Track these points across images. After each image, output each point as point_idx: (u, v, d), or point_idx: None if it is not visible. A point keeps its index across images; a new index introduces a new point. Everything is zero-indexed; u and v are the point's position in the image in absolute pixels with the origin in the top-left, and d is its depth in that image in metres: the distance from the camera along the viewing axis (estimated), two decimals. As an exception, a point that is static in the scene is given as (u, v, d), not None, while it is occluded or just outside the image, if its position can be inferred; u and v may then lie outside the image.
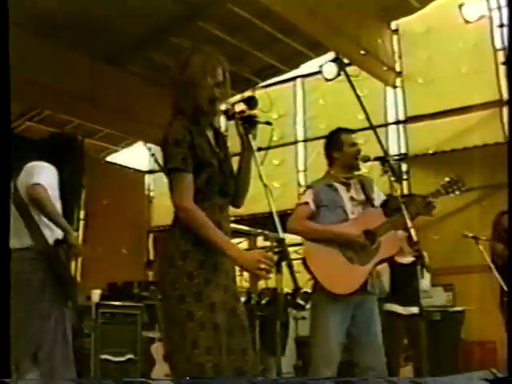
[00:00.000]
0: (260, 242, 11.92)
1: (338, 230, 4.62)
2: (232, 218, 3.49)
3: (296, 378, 7.78)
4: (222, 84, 3.34)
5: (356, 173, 4.92)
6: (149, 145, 14.11)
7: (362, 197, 4.83)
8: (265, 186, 3.11)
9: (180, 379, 3.07)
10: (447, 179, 4.82)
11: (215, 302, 3.13)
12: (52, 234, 4.54)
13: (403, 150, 12.13)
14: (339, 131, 4.96)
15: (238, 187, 3.42)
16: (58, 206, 4.62)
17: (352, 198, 4.79)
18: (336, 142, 4.88)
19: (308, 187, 4.89)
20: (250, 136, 3.27)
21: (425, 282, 7.04)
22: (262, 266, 3.03)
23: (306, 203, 4.73)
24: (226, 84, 3.36)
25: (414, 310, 6.92)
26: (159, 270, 3.25)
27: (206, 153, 3.25)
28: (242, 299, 8.51)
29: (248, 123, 3.29)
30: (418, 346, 6.87)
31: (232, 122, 3.37)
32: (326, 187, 4.78)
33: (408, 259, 7.03)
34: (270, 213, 3.06)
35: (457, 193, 4.81)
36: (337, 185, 4.80)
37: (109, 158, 15.11)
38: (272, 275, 3.10)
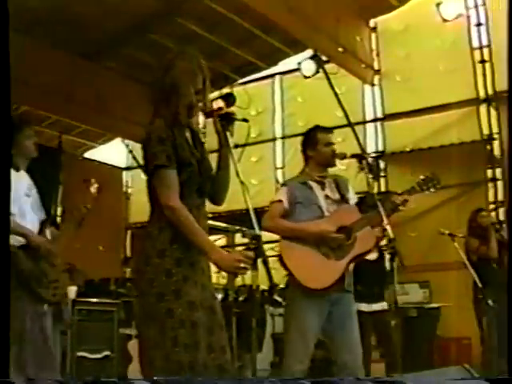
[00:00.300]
0: (238, 238, 11.95)
1: (310, 229, 4.63)
2: (210, 215, 3.51)
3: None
4: (202, 91, 3.33)
5: (331, 173, 4.94)
6: (126, 141, 14.07)
7: (336, 196, 4.84)
8: (242, 182, 3.13)
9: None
10: (422, 177, 4.87)
11: (194, 300, 3.14)
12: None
13: (381, 148, 12.18)
14: (316, 129, 4.96)
15: (219, 185, 3.43)
16: (28, 202, 4.55)
17: (327, 197, 4.80)
18: (311, 141, 4.88)
19: (282, 185, 4.90)
20: (228, 133, 3.28)
21: None
22: (241, 265, 3.05)
23: (280, 201, 4.73)
24: (205, 91, 3.36)
25: (380, 306, 7.02)
26: (136, 267, 3.26)
27: (186, 152, 3.26)
28: (219, 296, 8.52)
29: (225, 120, 3.31)
30: (389, 342, 6.97)
31: (210, 119, 3.38)
32: (301, 185, 4.79)
33: (373, 256, 7.11)
34: (248, 210, 3.07)
35: (432, 190, 4.86)
36: (311, 183, 4.81)
37: (86, 155, 15.05)
38: (248, 272, 3.12)
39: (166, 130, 3.20)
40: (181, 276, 3.13)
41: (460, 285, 8.17)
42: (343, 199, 4.84)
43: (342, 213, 4.75)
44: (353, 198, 4.90)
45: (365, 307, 6.89)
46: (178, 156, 3.20)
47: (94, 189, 5.14)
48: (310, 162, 4.88)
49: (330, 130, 4.98)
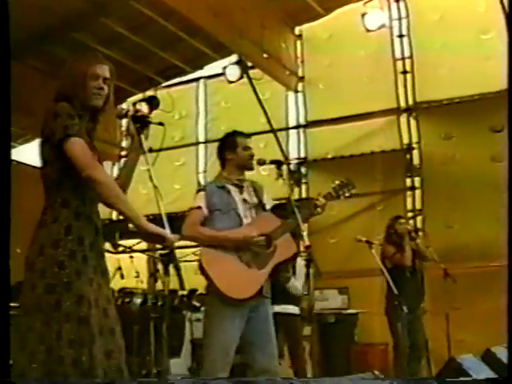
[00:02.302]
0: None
1: (232, 235, 4.63)
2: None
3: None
4: (110, 80, 3.39)
5: (248, 178, 4.96)
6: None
7: (254, 200, 4.87)
8: (155, 187, 3.13)
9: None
10: (337, 182, 5.02)
11: (83, 296, 3.10)
12: None
13: (303, 154, 12.26)
14: (235, 134, 5.00)
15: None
16: None
17: (244, 201, 4.81)
18: (231, 144, 4.90)
19: (200, 190, 4.85)
20: (142, 136, 3.27)
21: (297, 284, 7.18)
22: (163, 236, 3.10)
23: (199, 207, 4.70)
24: (111, 85, 3.40)
25: (291, 309, 7.09)
26: (28, 257, 3.19)
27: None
28: (139, 300, 8.42)
29: (139, 123, 3.29)
30: (298, 346, 7.04)
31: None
32: (219, 189, 4.78)
33: None
34: (167, 214, 3.08)
35: (347, 195, 4.98)
36: (229, 186, 4.81)
37: (5, 154, 14.72)
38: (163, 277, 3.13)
39: (73, 110, 3.20)
40: (73, 269, 3.09)
41: (378, 291, 8.30)
42: (260, 204, 4.86)
43: (261, 221, 4.78)
44: (268, 203, 4.94)
45: (277, 308, 6.95)
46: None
47: None
48: (228, 166, 4.90)
49: (247, 135, 5.02)
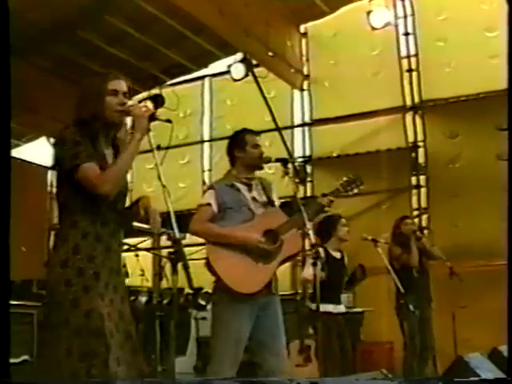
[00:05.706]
0: (163, 241, 11.85)
1: (239, 235, 4.61)
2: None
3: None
4: (127, 94, 3.44)
5: (257, 175, 4.94)
6: (52, 140, 13.80)
7: (263, 198, 4.85)
8: (163, 186, 3.13)
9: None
10: (345, 178, 4.99)
11: (94, 309, 3.15)
12: None
13: (308, 153, 12.24)
14: (244, 131, 4.98)
15: None
16: None
17: (254, 199, 4.80)
18: (240, 142, 4.88)
19: (209, 188, 4.85)
20: (151, 134, 3.28)
21: None
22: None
23: (209, 204, 4.69)
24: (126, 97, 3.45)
25: (342, 308, 7.00)
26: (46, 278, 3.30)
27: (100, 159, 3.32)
28: (144, 298, 8.41)
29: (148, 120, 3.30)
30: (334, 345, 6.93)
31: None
32: (229, 187, 4.76)
33: (336, 254, 7.07)
34: (169, 213, 3.07)
35: (355, 191, 4.94)
36: (239, 185, 4.79)
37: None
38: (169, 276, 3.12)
39: (80, 136, 3.27)
40: (81, 286, 3.16)
41: (383, 290, 8.27)
42: (269, 202, 4.85)
43: (268, 216, 4.76)
44: (277, 201, 4.92)
45: (331, 308, 6.85)
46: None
47: None
48: (238, 164, 4.87)
49: (257, 132, 5.00)
